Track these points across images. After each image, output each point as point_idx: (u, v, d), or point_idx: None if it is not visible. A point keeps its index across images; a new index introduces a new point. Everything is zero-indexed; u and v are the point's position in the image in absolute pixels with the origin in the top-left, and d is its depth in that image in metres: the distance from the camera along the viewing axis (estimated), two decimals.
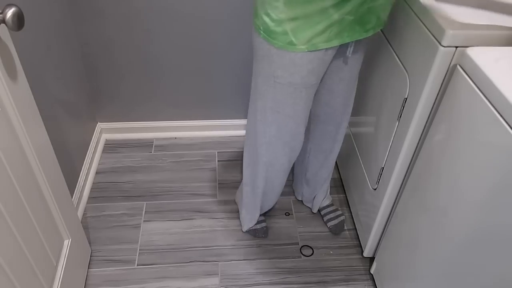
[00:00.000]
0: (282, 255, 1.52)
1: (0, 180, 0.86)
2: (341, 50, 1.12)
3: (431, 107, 1.02)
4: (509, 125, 0.72)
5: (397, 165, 1.16)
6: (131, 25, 1.61)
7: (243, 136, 1.98)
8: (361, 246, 1.52)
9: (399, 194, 1.23)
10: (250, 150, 1.34)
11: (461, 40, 0.89)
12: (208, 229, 1.59)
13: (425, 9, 0.98)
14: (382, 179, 1.27)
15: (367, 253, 1.45)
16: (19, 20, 0.82)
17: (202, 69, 1.78)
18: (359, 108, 1.48)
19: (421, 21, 0.99)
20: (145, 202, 1.68)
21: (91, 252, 1.49)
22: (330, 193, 1.68)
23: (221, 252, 1.51)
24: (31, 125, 1.00)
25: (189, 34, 1.66)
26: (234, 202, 1.68)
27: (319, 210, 1.64)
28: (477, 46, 0.87)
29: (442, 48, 0.91)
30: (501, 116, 0.74)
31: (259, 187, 1.42)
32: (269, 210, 1.64)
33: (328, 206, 1.63)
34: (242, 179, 1.53)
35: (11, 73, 0.91)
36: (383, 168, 1.26)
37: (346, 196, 1.71)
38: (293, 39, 0.99)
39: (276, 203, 1.58)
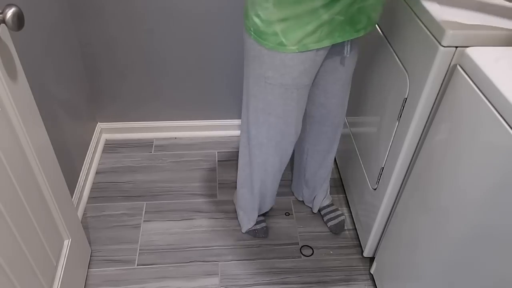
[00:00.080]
0: (282, 255, 1.52)
1: (0, 180, 0.86)
2: (336, 51, 1.12)
3: (431, 107, 1.02)
4: (509, 125, 0.72)
5: (397, 165, 1.16)
6: (131, 25, 1.61)
7: None
8: (361, 246, 1.52)
9: (399, 194, 1.23)
10: (244, 151, 1.35)
11: (461, 40, 0.89)
12: (208, 229, 1.59)
13: (425, 9, 0.98)
14: (382, 179, 1.27)
15: (367, 253, 1.45)
16: (19, 20, 0.82)
17: (202, 69, 1.78)
18: (359, 108, 1.48)
19: (421, 21, 0.99)
20: (145, 202, 1.68)
21: (91, 252, 1.49)
22: (330, 193, 1.68)
23: (221, 252, 1.51)
24: (31, 125, 1.00)
25: (189, 34, 1.66)
26: (233, 203, 1.68)
27: (319, 210, 1.64)
28: (477, 46, 0.87)
29: (442, 48, 0.91)
30: (501, 116, 0.74)
31: (255, 188, 1.42)
32: (269, 210, 1.64)
33: (328, 206, 1.63)
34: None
35: (11, 73, 0.91)
36: (383, 168, 1.26)
37: (346, 196, 1.71)
38: (283, 40, 0.99)
39: (273, 204, 1.58)
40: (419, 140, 1.09)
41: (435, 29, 0.93)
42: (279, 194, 1.72)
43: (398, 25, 1.13)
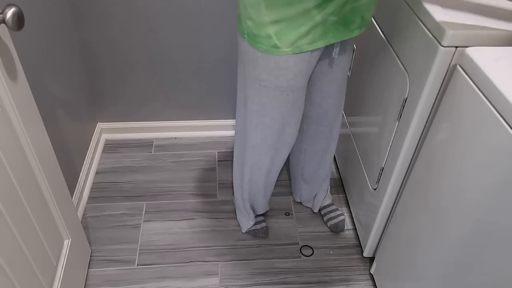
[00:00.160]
0: (282, 255, 1.52)
1: (0, 180, 0.86)
2: (328, 51, 1.12)
3: (431, 107, 1.02)
4: (509, 125, 0.72)
5: (397, 165, 1.16)
6: (131, 25, 1.61)
7: None
8: (361, 246, 1.52)
9: (399, 194, 1.23)
10: (238, 152, 1.35)
11: (461, 40, 0.89)
12: (208, 229, 1.59)
13: (425, 9, 0.98)
14: (382, 179, 1.27)
15: (367, 253, 1.45)
16: (19, 20, 0.82)
17: (202, 69, 1.78)
18: (359, 108, 1.48)
19: (421, 21, 0.99)
20: (145, 202, 1.68)
21: (91, 252, 1.49)
22: (330, 193, 1.68)
23: (221, 252, 1.51)
24: (31, 125, 1.00)
25: (189, 34, 1.66)
26: (233, 203, 1.68)
27: (319, 210, 1.64)
28: (477, 46, 0.87)
29: (442, 48, 0.91)
30: (501, 116, 0.74)
31: (246, 189, 1.43)
32: (269, 210, 1.64)
33: (328, 205, 1.63)
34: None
35: (11, 73, 0.91)
36: (383, 168, 1.26)
37: (346, 196, 1.71)
38: (277, 42, 0.99)
39: (267, 208, 1.59)
40: (419, 140, 1.09)
41: (435, 29, 0.93)
42: (279, 194, 1.73)
43: (398, 25, 1.13)
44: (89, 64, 1.71)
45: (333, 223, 1.59)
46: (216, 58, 1.74)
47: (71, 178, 1.54)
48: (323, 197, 1.60)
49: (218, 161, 1.88)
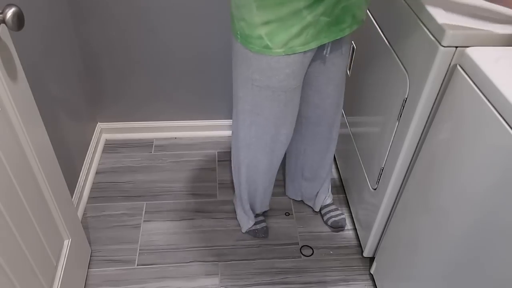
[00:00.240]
0: (282, 255, 1.52)
1: (0, 180, 0.86)
2: (321, 52, 1.12)
3: (431, 107, 1.02)
4: (509, 125, 0.72)
5: (397, 165, 1.16)
6: (131, 25, 1.61)
7: None
8: (361, 246, 1.52)
9: (399, 194, 1.23)
10: (235, 152, 1.35)
11: (461, 40, 0.89)
12: (208, 229, 1.59)
13: (425, 9, 0.98)
14: (382, 179, 1.27)
15: (367, 253, 1.45)
16: (19, 20, 0.82)
17: (202, 69, 1.78)
18: (359, 108, 1.48)
19: (421, 21, 0.99)
20: (145, 202, 1.68)
21: (91, 252, 1.49)
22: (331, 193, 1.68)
23: (221, 252, 1.51)
24: (31, 125, 1.00)
25: (189, 34, 1.66)
26: (233, 203, 1.68)
27: (319, 210, 1.64)
28: (477, 46, 0.87)
29: (442, 48, 0.91)
30: (501, 116, 0.74)
31: (245, 189, 1.43)
32: (269, 210, 1.64)
33: (329, 205, 1.63)
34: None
35: (11, 73, 0.91)
36: (383, 168, 1.26)
37: (346, 196, 1.71)
38: (269, 43, 0.99)
39: (267, 207, 1.59)
40: (419, 140, 1.09)
41: (435, 29, 0.93)
42: (279, 194, 1.73)
43: (398, 25, 1.13)
44: (89, 64, 1.71)
45: (333, 220, 1.59)
46: (216, 58, 1.74)
47: (71, 178, 1.54)
48: (325, 196, 1.61)
49: (218, 161, 1.88)
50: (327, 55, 1.12)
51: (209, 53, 1.72)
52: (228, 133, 2.00)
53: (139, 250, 1.51)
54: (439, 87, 0.98)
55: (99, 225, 1.58)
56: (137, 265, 1.46)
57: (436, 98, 1.00)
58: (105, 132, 1.95)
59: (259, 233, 1.56)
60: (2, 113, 0.89)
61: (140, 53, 1.70)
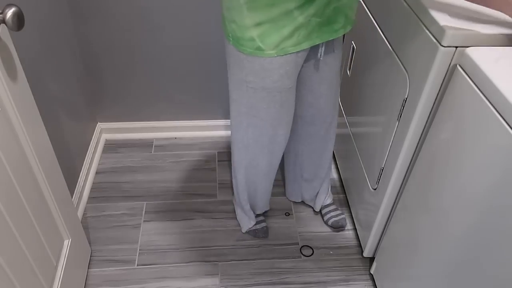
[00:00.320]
0: (282, 255, 1.52)
1: (0, 180, 0.86)
2: (314, 51, 1.12)
3: (431, 107, 1.02)
4: (509, 125, 0.72)
5: (397, 165, 1.16)
6: (131, 25, 1.61)
7: None
8: (361, 246, 1.52)
9: (399, 194, 1.23)
10: (233, 153, 1.36)
11: (461, 40, 0.89)
12: (208, 229, 1.59)
13: (425, 9, 0.98)
14: (382, 179, 1.27)
15: (367, 253, 1.45)
16: (19, 20, 0.82)
17: (202, 69, 1.78)
18: (359, 108, 1.48)
19: (421, 21, 0.99)
20: (145, 202, 1.68)
21: (91, 252, 1.49)
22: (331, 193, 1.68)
23: (221, 252, 1.51)
24: (31, 125, 1.00)
25: (189, 34, 1.66)
26: (233, 203, 1.68)
27: (320, 209, 1.64)
28: (477, 46, 0.87)
29: (442, 48, 0.91)
30: (501, 116, 0.74)
31: (245, 189, 1.43)
32: (269, 210, 1.64)
33: (329, 205, 1.63)
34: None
35: (11, 73, 0.91)
36: (383, 168, 1.26)
37: (346, 196, 1.71)
38: (261, 45, 0.99)
39: (267, 207, 1.59)
40: (419, 140, 1.09)
41: (435, 29, 0.93)
42: (279, 194, 1.73)
43: (398, 25, 1.13)
44: (89, 64, 1.71)
45: (334, 220, 1.59)
46: (216, 58, 1.74)
47: (71, 178, 1.54)
48: (325, 196, 1.61)
49: (218, 161, 1.88)
50: (321, 58, 1.12)
51: (209, 53, 1.72)
52: (228, 133, 2.00)
53: (139, 250, 1.51)
54: (439, 87, 0.98)
55: (99, 225, 1.58)
56: (137, 265, 1.46)
57: (436, 98, 1.00)
58: (105, 132, 1.95)
59: (259, 233, 1.56)
60: (2, 113, 0.89)
61: (140, 53, 1.70)
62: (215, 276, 1.44)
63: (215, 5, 1.58)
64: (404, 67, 1.09)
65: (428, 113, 1.03)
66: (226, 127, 2.00)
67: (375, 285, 1.40)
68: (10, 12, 0.79)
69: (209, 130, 2.00)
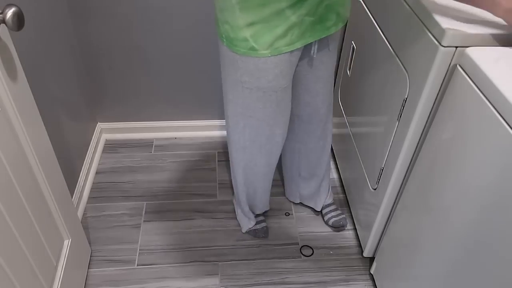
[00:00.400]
0: (282, 255, 1.52)
1: (0, 180, 0.86)
2: (308, 50, 1.12)
3: (431, 107, 1.02)
4: (509, 125, 0.72)
5: (397, 165, 1.16)
6: (131, 25, 1.61)
7: None
8: (361, 246, 1.52)
9: (399, 194, 1.23)
10: (231, 154, 1.36)
11: (461, 40, 0.89)
12: (208, 229, 1.59)
13: (425, 9, 0.98)
14: (382, 179, 1.27)
15: (367, 253, 1.45)
16: (19, 20, 0.82)
17: (202, 69, 1.78)
18: (359, 108, 1.48)
19: (421, 21, 0.99)
20: (145, 202, 1.68)
21: (91, 252, 1.49)
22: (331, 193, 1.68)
23: (221, 252, 1.51)
24: (31, 125, 1.00)
25: (189, 34, 1.66)
26: (233, 203, 1.68)
27: (320, 209, 1.64)
28: (477, 46, 0.87)
29: (442, 48, 0.91)
30: (501, 116, 0.74)
31: (243, 191, 1.43)
32: (269, 210, 1.64)
33: (329, 205, 1.63)
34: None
35: (11, 73, 0.91)
36: (383, 168, 1.26)
37: (346, 196, 1.71)
38: (254, 45, 0.99)
39: (267, 207, 1.59)
40: (419, 140, 1.09)
41: (435, 29, 0.93)
42: (279, 194, 1.73)
43: (398, 25, 1.13)
44: (89, 64, 1.71)
45: (334, 220, 1.58)
46: (216, 58, 1.74)
47: (71, 178, 1.54)
48: (325, 196, 1.60)
49: (218, 161, 1.88)
50: (314, 55, 1.12)
51: (209, 53, 1.72)
52: None
53: (139, 250, 1.51)
54: (439, 87, 0.98)
55: (99, 225, 1.58)
56: (137, 265, 1.46)
57: (436, 98, 1.00)
58: (105, 132, 1.95)
59: (259, 233, 1.56)
60: (2, 113, 0.89)
61: (140, 53, 1.70)
62: (215, 276, 1.44)
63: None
64: (404, 67, 1.09)
65: (428, 113, 1.03)
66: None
67: (375, 285, 1.40)
68: (10, 12, 0.79)
69: (209, 130, 2.00)
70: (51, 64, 1.39)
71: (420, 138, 1.09)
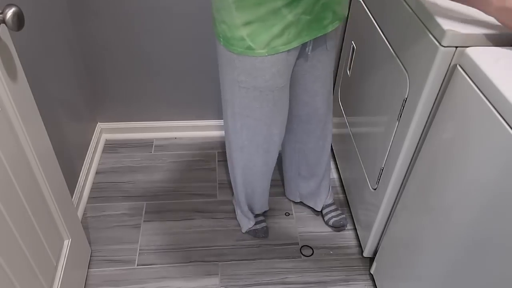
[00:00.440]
0: (282, 255, 1.52)
1: (0, 180, 0.86)
2: (305, 49, 1.12)
3: (431, 107, 1.02)
4: (509, 125, 0.72)
5: (397, 165, 1.16)
6: (131, 25, 1.61)
7: None
8: (361, 246, 1.52)
9: (399, 194, 1.23)
10: (229, 155, 1.36)
11: (461, 40, 0.89)
12: (208, 229, 1.59)
13: (425, 9, 0.98)
14: (382, 179, 1.27)
15: (367, 253, 1.45)
16: (19, 20, 0.82)
17: (202, 69, 1.78)
18: (359, 108, 1.48)
19: (421, 21, 0.99)
20: (145, 202, 1.68)
21: (91, 252, 1.49)
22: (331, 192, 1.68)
23: (221, 252, 1.51)
24: (31, 125, 1.00)
25: (188, 34, 1.66)
26: (233, 203, 1.68)
27: (321, 209, 1.64)
28: (477, 46, 0.87)
29: (442, 48, 0.91)
30: (501, 116, 0.74)
31: (242, 191, 1.43)
32: (269, 210, 1.64)
33: (330, 205, 1.63)
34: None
35: (11, 73, 0.91)
36: (383, 168, 1.26)
37: (346, 196, 1.71)
38: (251, 44, 0.99)
39: (266, 207, 1.59)
40: (419, 140, 1.09)
41: (435, 29, 0.93)
42: (279, 194, 1.73)
43: (398, 25, 1.13)
44: (89, 64, 1.71)
45: (335, 220, 1.58)
46: (215, 58, 1.74)
47: (71, 178, 1.54)
48: (326, 196, 1.60)
49: (218, 161, 1.88)
50: (309, 53, 1.12)
51: (209, 53, 1.72)
52: None
53: (139, 250, 1.51)
54: (439, 87, 0.98)
55: (99, 225, 1.58)
56: (137, 265, 1.46)
57: (436, 98, 1.00)
58: (105, 132, 1.95)
59: (259, 233, 1.56)
60: (2, 113, 0.89)
61: (140, 53, 1.70)
62: (215, 276, 1.44)
63: None
64: (404, 67, 1.09)
65: (428, 113, 1.03)
66: None
67: (375, 285, 1.40)
68: (10, 12, 0.79)
69: (209, 130, 2.00)
70: (51, 64, 1.39)
71: (420, 138, 1.09)
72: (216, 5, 1.02)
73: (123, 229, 1.57)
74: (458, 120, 0.88)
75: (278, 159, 1.42)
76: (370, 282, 1.44)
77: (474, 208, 0.83)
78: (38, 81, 1.29)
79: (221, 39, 1.04)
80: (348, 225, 1.62)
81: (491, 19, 0.93)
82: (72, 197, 1.50)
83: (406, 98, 1.09)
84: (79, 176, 1.63)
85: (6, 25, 0.80)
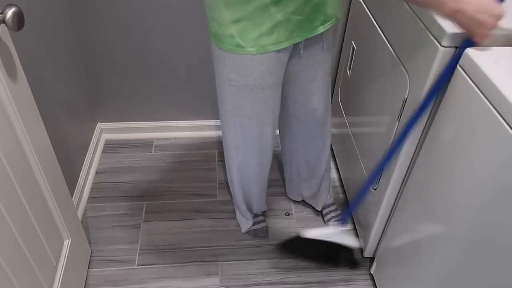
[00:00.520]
0: (282, 255, 1.52)
1: (0, 180, 0.86)
2: (297, 48, 1.12)
3: (431, 107, 1.02)
4: (509, 125, 0.72)
5: (397, 165, 1.16)
6: (131, 25, 1.61)
7: None
8: (361, 246, 1.52)
9: (399, 194, 1.23)
10: (226, 154, 1.36)
11: (461, 40, 0.89)
12: (208, 229, 1.59)
13: (425, 9, 0.97)
14: (382, 179, 1.27)
15: (367, 253, 1.45)
16: (19, 20, 0.82)
17: (202, 69, 1.78)
18: (359, 108, 1.48)
19: (421, 21, 0.99)
20: (145, 202, 1.68)
21: (91, 252, 1.49)
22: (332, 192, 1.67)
23: (221, 252, 1.51)
24: (31, 125, 1.00)
25: (188, 34, 1.66)
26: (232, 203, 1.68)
27: (321, 209, 1.64)
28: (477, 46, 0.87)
29: (442, 48, 0.91)
30: (501, 116, 0.74)
31: (238, 191, 1.43)
32: (269, 210, 1.64)
33: (330, 205, 1.63)
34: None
35: (11, 73, 0.91)
36: (383, 168, 1.26)
37: (346, 197, 1.71)
38: (240, 42, 0.99)
39: (264, 207, 1.59)
40: (419, 140, 1.09)
41: (435, 29, 0.93)
42: (279, 194, 1.73)
43: (398, 25, 1.13)
44: (89, 64, 1.71)
45: (335, 221, 1.58)
46: None
47: (71, 178, 1.54)
48: (326, 196, 1.60)
49: (218, 161, 1.88)
50: (302, 51, 1.12)
51: (209, 53, 1.71)
52: None
53: (139, 250, 1.51)
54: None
55: (99, 225, 1.58)
56: (137, 265, 1.46)
57: (436, 98, 1.00)
58: (105, 132, 1.95)
59: (259, 233, 1.56)
60: (2, 113, 0.89)
61: (140, 53, 1.70)
62: (215, 276, 1.44)
63: None
64: (404, 67, 1.09)
65: (428, 113, 1.03)
66: None
67: (375, 285, 1.40)
68: (10, 12, 0.79)
69: (209, 130, 2.00)
70: (51, 64, 1.39)
71: (420, 138, 1.09)
72: (207, 3, 1.03)
73: (123, 229, 1.57)
74: (458, 120, 0.88)
75: (278, 159, 1.42)
76: (370, 282, 1.44)
77: (474, 208, 0.83)
78: (38, 81, 1.29)
79: (213, 37, 1.05)
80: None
81: None
82: (72, 197, 1.50)
83: (406, 98, 1.08)
84: (79, 176, 1.63)
85: (6, 25, 0.80)
